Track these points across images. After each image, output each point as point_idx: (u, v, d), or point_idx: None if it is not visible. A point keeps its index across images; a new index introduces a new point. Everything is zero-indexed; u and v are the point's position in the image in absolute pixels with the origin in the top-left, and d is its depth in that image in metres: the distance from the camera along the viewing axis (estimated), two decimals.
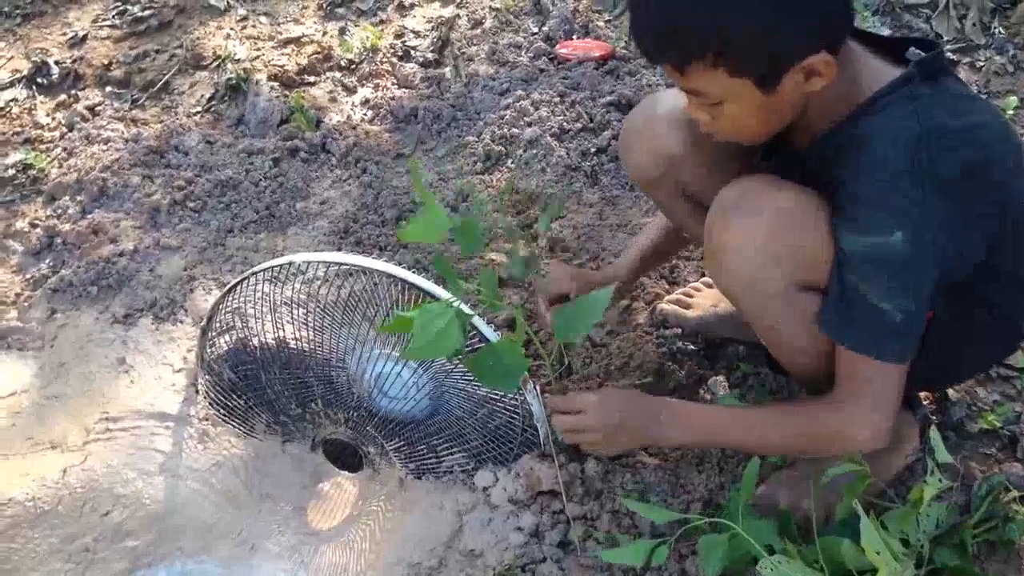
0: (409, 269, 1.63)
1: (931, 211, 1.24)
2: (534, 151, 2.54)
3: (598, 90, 2.71)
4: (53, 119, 2.93)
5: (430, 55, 3.02)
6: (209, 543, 1.85)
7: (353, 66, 3.02)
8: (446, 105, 2.78)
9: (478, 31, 3.10)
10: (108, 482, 1.89)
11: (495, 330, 1.59)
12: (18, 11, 3.43)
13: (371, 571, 1.74)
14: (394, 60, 3.01)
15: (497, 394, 1.67)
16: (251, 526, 1.87)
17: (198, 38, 3.17)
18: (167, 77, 3.05)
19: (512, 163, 2.54)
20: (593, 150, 2.53)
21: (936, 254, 1.28)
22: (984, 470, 1.68)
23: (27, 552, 1.80)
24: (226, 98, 2.92)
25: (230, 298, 1.81)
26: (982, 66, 2.70)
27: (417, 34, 3.13)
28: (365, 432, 1.81)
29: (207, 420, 1.98)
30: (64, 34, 3.30)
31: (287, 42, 3.12)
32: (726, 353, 1.95)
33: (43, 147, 2.81)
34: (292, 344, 1.85)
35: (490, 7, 3.19)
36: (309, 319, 1.82)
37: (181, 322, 2.20)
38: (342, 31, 3.16)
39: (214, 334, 1.90)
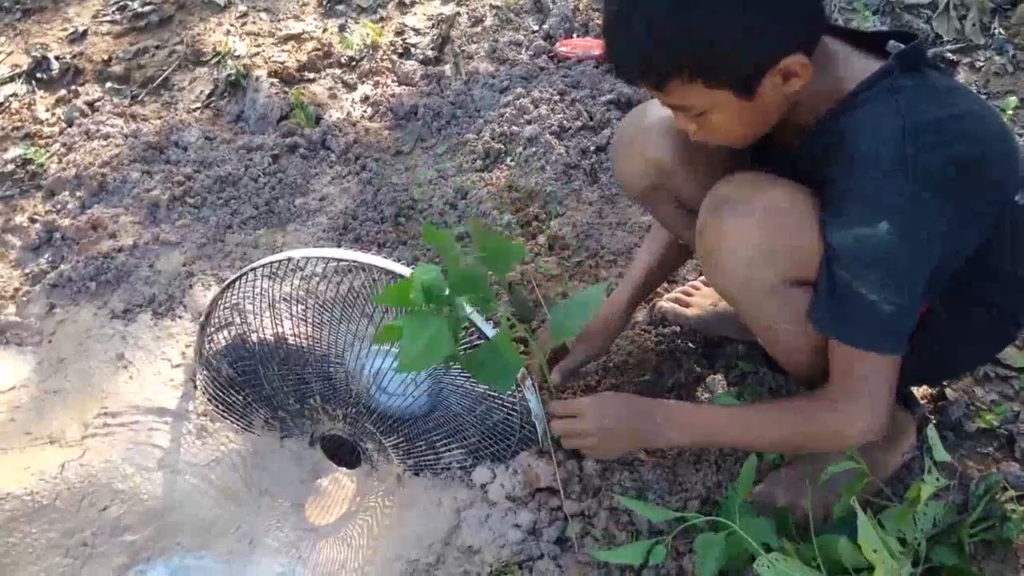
0: (408, 265, 1.63)
1: (919, 203, 1.24)
2: (534, 149, 2.54)
3: (598, 88, 2.71)
4: (53, 114, 2.92)
5: (430, 52, 3.02)
6: (207, 538, 1.85)
7: (353, 63, 3.02)
8: (446, 102, 2.78)
9: (478, 29, 3.10)
10: (106, 477, 1.89)
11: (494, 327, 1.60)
12: (18, 6, 3.43)
13: (369, 567, 1.74)
14: (394, 57, 3.01)
15: (495, 390, 1.67)
16: (249, 521, 1.87)
17: (198, 34, 3.17)
18: (167, 73, 3.05)
19: (512, 161, 2.54)
20: (593, 148, 2.53)
21: (927, 247, 1.28)
22: (982, 469, 1.69)
23: (25, 547, 1.80)
24: (226, 94, 2.92)
25: (229, 294, 1.81)
26: (982, 66, 2.71)
27: (417, 31, 3.13)
28: (363, 428, 1.81)
29: (206, 416, 1.98)
30: (64, 29, 3.30)
31: (287, 38, 3.12)
32: (725, 351, 1.95)
33: (42, 142, 2.81)
34: (290, 340, 1.85)
35: (490, 5, 3.19)
36: (308, 315, 1.82)
37: (180, 318, 2.20)
38: (342, 28, 3.16)
39: (213, 330, 1.90)
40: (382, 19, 3.21)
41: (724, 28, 1.21)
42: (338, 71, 2.98)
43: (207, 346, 1.92)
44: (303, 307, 1.83)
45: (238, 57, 3.01)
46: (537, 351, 1.64)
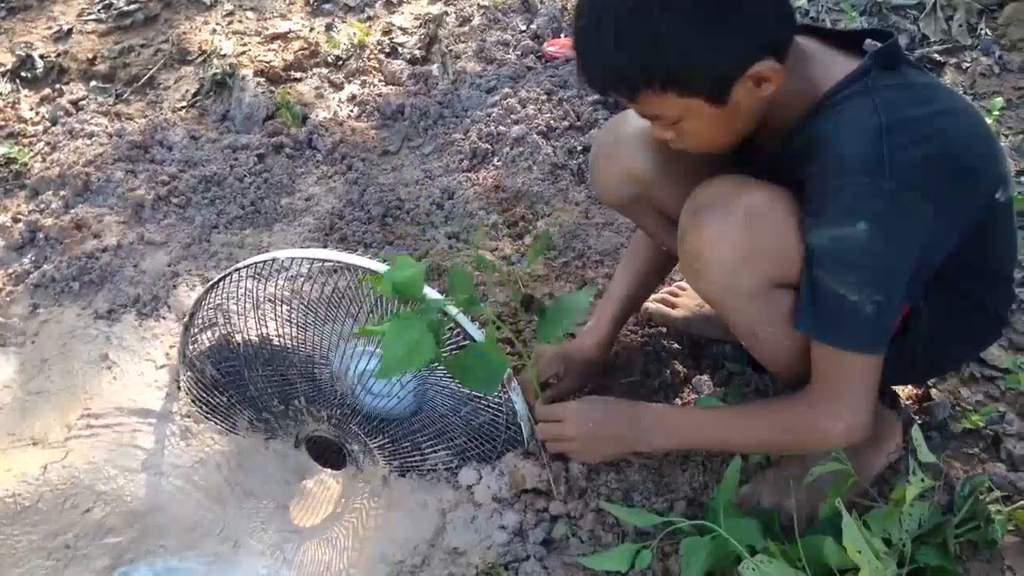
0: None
1: (897, 203, 1.25)
2: (521, 149, 2.53)
3: (585, 88, 2.71)
4: (37, 113, 2.91)
5: (417, 52, 3.01)
6: (191, 540, 1.84)
7: (340, 62, 3.01)
8: (433, 102, 2.77)
9: (466, 28, 3.09)
10: (90, 479, 1.88)
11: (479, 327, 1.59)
12: (3, 4, 3.41)
13: (354, 569, 1.73)
14: (381, 57, 3.00)
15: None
16: (234, 523, 1.86)
17: (184, 33, 3.15)
18: (152, 72, 3.04)
19: (499, 161, 2.54)
20: (580, 148, 2.53)
21: (906, 246, 1.28)
22: (967, 470, 1.69)
23: (7, 549, 1.79)
24: (211, 93, 2.91)
25: (213, 294, 1.80)
26: (968, 67, 2.71)
27: (405, 31, 3.12)
28: (349, 429, 1.80)
29: (189, 417, 1.97)
30: (49, 28, 3.28)
31: (274, 37, 3.11)
32: (711, 352, 1.95)
33: (26, 141, 2.79)
34: (275, 341, 1.84)
35: (478, 4, 3.18)
36: (293, 316, 1.81)
37: (164, 318, 2.18)
38: (329, 27, 3.15)
39: (197, 330, 1.89)
40: (369, 18, 3.20)
41: (687, 40, 1.22)
42: (325, 70, 2.97)
43: (191, 347, 1.90)
44: (288, 308, 1.82)
45: (224, 56, 3.00)
46: (529, 367, 1.64)
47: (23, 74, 3.06)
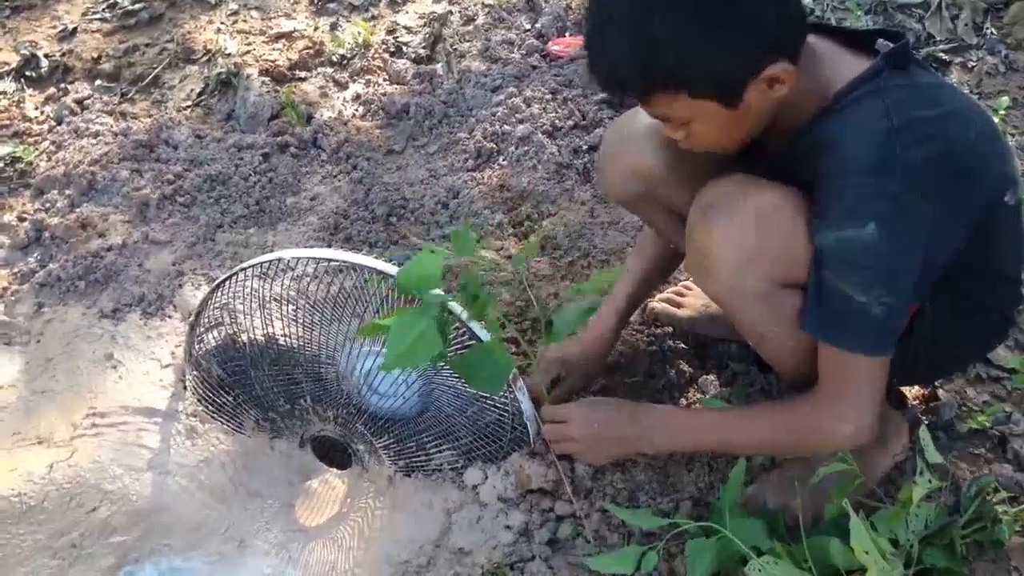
0: (399, 266, 1.62)
1: (904, 204, 1.24)
2: (526, 148, 2.53)
3: (590, 87, 2.71)
4: (42, 112, 2.90)
5: (422, 51, 3.01)
6: (196, 540, 1.84)
7: (345, 61, 3.01)
8: (438, 101, 2.77)
9: (470, 27, 3.09)
10: (95, 478, 1.88)
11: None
12: (7, 3, 3.41)
13: (359, 569, 1.73)
14: (386, 56, 3.00)
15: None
16: (239, 523, 1.86)
17: (188, 32, 3.15)
18: (157, 71, 3.04)
19: (504, 160, 2.54)
20: (585, 147, 2.52)
21: (914, 247, 1.28)
22: (974, 470, 1.69)
23: (13, 548, 1.79)
24: (216, 92, 2.90)
25: (219, 294, 1.80)
26: (974, 66, 2.71)
27: (409, 30, 3.12)
28: (354, 429, 1.80)
29: (195, 416, 1.97)
30: (54, 27, 3.28)
31: (278, 37, 3.11)
32: (717, 352, 1.95)
33: (31, 140, 2.79)
34: (281, 341, 1.84)
35: (483, 3, 3.18)
36: (298, 315, 1.82)
37: (169, 317, 2.18)
38: (334, 26, 3.14)
39: (202, 330, 1.89)
40: (374, 17, 3.20)
41: (689, 39, 1.22)
42: (329, 70, 2.97)
43: (197, 346, 1.91)
44: (294, 307, 1.82)
45: (229, 55, 3.00)
46: (536, 371, 1.64)
47: (28, 73, 3.06)
